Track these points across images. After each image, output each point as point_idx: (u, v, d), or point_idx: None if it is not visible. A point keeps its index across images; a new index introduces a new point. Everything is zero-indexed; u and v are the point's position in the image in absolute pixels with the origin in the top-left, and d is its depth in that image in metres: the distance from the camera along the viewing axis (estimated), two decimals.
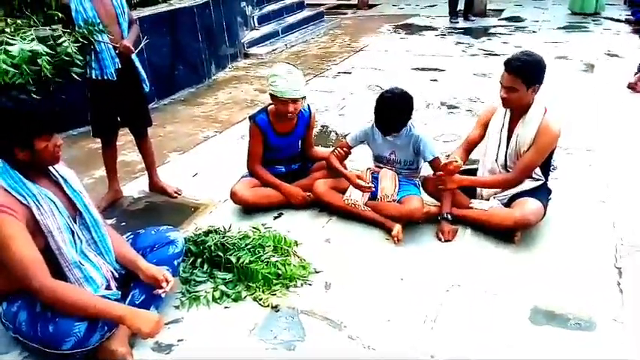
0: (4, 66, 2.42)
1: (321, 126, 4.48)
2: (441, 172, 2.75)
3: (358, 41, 7.75)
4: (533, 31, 7.84)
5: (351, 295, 2.37)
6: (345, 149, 3.08)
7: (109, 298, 2.02)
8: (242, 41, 6.98)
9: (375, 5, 10.73)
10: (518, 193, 2.73)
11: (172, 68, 5.46)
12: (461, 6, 8.72)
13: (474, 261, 2.59)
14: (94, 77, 2.92)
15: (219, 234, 2.74)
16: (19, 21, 2.72)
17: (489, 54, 6.65)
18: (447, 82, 5.62)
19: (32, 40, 2.56)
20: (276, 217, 3.05)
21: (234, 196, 3.05)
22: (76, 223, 2.00)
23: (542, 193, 2.74)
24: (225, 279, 2.47)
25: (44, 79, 2.53)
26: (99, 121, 3.13)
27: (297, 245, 2.73)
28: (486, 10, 9.12)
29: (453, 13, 8.69)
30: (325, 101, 5.12)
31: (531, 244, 2.70)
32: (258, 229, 2.86)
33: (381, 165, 3.04)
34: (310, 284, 2.46)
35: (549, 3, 9.93)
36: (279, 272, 2.48)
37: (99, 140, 3.24)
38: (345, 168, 3.07)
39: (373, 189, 2.93)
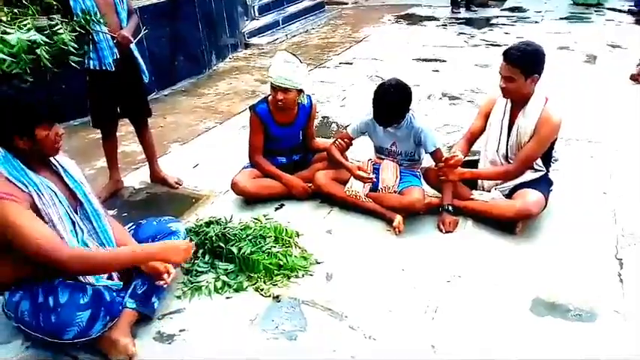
0: (1, 55, 2.40)
1: (322, 117, 4.47)
2: (442, 164, 2.76)
3: (359, 31, 7.70)
4: (536, 22, 7.80)
5: (353, 286, 2.38)
6: (346, 140, 3.07)
7: (110, 289, 2.03)
8: (242, 31, 6.94)
9: None
10: (520, 184, 2.73)
11: (172, 59, 5.43)
12: None
13: (475, 252, 2.59)
14: (92, 67, 2.91)
15: (221, 225, 2.74)
16: (16, 10, 2.69)
17: (491, 44, 6.61)
18: (448, 72, 5.59)
19: (29, 29, 2.54)
20: (277, 208, 3.05)
21: (235, 187, 3.05)
22: (77, 213, 2.00)
23: (543, 184, 2.74)
24: (227, 269, 2.47)
25: (43, 68, 2.52)
26: (98, 111, 3.12)
27: (298, 236, 2.74)
28: (488, 1, 9.07)
29: (455, 4, 8.64)
30: (326, 92, 5.10)
31: (532, 235, 2.70)
32: (259, 220, 2.86)
33: (383, 156, 3.04)
34: (311, 275, 2.47)
35: None
36: (281, 263, 2.48)
37: (99, 130, 3.24)
38: (347, 159, 3.07)
39: (374, 180, 2.92)
